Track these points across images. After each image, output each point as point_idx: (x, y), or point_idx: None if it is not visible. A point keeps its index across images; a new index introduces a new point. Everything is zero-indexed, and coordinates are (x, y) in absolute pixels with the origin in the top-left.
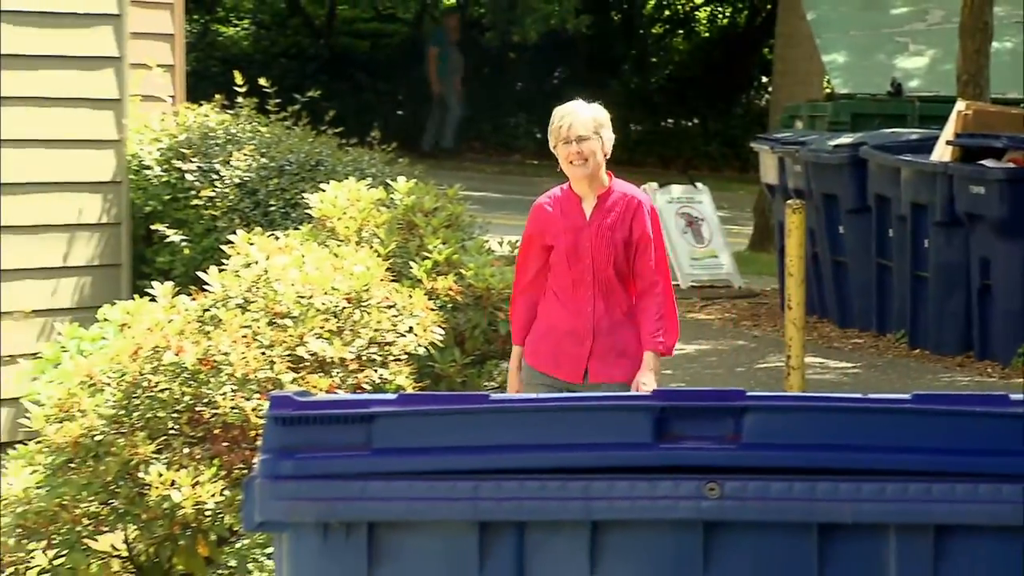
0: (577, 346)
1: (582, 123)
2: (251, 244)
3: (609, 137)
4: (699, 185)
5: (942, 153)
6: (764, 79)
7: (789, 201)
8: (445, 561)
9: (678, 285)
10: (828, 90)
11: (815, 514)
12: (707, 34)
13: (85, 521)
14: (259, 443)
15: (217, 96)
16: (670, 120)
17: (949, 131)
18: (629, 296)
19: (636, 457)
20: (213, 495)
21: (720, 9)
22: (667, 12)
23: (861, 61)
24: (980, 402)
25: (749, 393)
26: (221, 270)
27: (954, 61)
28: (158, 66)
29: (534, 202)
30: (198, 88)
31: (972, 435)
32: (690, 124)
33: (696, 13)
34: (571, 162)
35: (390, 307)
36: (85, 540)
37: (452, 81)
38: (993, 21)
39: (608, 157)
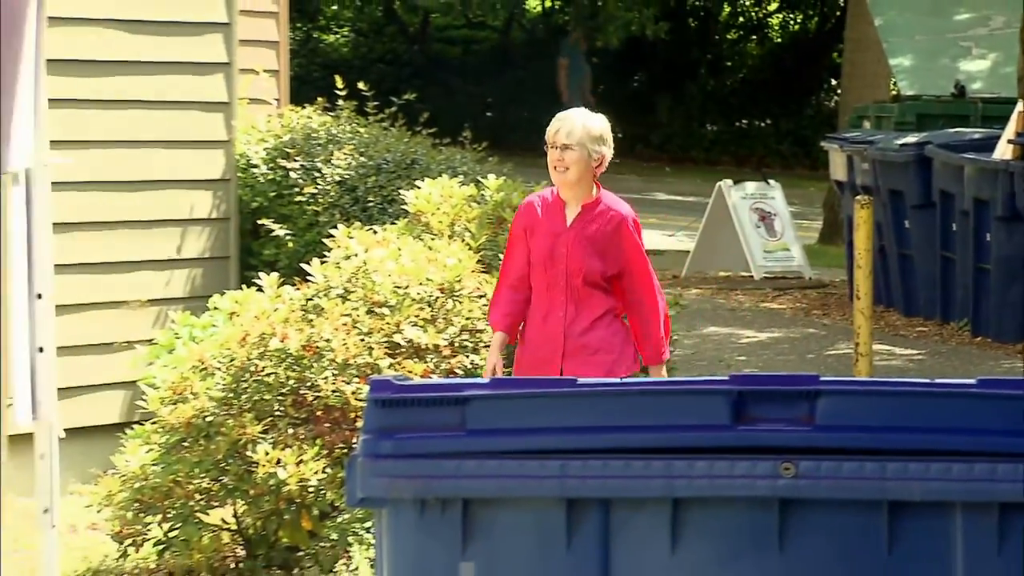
0: (551, 352)
1: (568, 132)
2: (351, 238)
3: (600, 152)
4: (772, 182)
5: (1003, 151)
6: (833, 82)
7: (858, 197)
8: (535, 536)
9: (751, 276)
10: (894, 92)
11: (885, 492)
12: (779, 39)
13: (197, 496)
14: (359, 424)
15: (319, 99)
16: (744, 120)
17: (1010, 130)
18: (605, 302)
19: (715, 438)
20: (316, 472)
21: (792, 16)
22: (741, 19)
23: (926, 64)
24: None
25: (822, 378)
26: (323, 262)
27: (1015, 64)
28: (264, 71)
29: (525, 199)
30: (301, 92)
31: None
32: (763, 124)
33: (769, 20)
34: (554, 167)
35: (481, 297)
36: (197, 514)
37: (582, 90)
38: None
39: (602, 170)
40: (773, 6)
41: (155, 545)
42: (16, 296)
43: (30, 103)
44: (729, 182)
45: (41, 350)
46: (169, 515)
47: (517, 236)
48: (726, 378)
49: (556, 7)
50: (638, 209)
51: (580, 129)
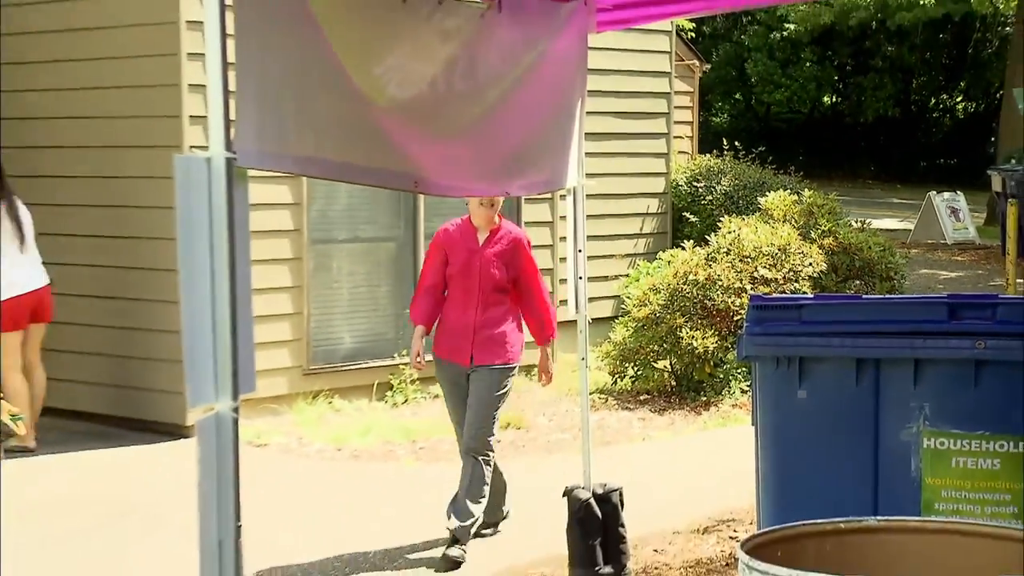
0: (464, 340)
1: None
2: (730, 223)
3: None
4: (958, 192)
5: None
6: (993, 139)
7: (1009, 200)
8: (838, 378)
9: (946, 243)
10: None
11: None
12: (962, 116)
13: (651, 354)
14: (736, 319)
15: (713, 151)
16: (942, 159)
17: None
18: (506, 304)
19: (939, 327)
20: (712, 343)
21: (969, 104)
22: (941, 105)
23: None
24: None
25: (1000, 295)
26: (716, 235)
27: None
28: (684, 136)
29: (441, 226)
30: (702, 147)
31: None
32: (952, 162)
33: (956, 105)
34: (481, 204)
35: (800, 253)
36: (651, 363)
37: None
38: None
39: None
40: (959, 98)
41: (630, 379)
42: (569, 249)
43: (576, 149)
44: (934, 192)
45: (580, 278)
46: (636, 363)
47: (435, 253)
48: (945, 295)
49: (838, 100)
50: (880, 207)
51: None
